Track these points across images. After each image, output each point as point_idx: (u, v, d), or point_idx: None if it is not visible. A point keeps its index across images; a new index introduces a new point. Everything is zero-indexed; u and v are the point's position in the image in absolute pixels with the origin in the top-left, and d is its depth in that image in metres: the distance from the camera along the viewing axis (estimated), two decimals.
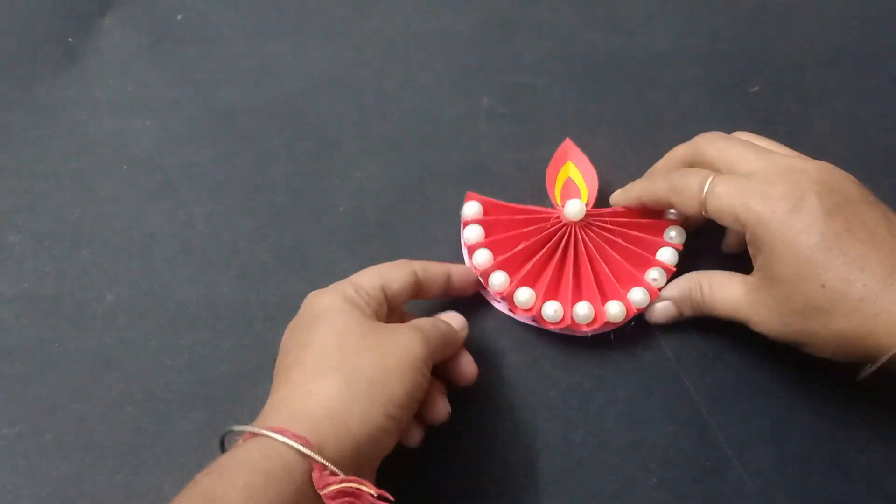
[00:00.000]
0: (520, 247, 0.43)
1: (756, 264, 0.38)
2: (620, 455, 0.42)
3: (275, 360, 0.39)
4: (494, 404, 0.43)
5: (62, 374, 0.44)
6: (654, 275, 0.43)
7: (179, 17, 0.52)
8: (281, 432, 0.31)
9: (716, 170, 0.40)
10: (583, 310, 0.42)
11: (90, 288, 0.45)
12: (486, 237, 0.44)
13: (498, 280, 0.43)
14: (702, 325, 0.44)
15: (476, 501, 0.41)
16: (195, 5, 0.53)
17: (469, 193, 0.45)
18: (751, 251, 0.38)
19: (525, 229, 0.44)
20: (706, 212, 0.39)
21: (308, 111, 0.50)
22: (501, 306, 0.45)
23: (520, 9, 0.52)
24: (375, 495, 0.31)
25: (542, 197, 0.46)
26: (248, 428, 0.32)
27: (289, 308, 0.40)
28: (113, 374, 0.44)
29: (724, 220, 0.38)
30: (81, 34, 0.52)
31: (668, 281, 0.43)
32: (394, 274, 0.39)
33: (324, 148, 0.49)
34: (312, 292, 0.38)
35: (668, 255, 0.44)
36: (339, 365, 0.34)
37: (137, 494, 0.41)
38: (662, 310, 0.43)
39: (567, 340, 0.44)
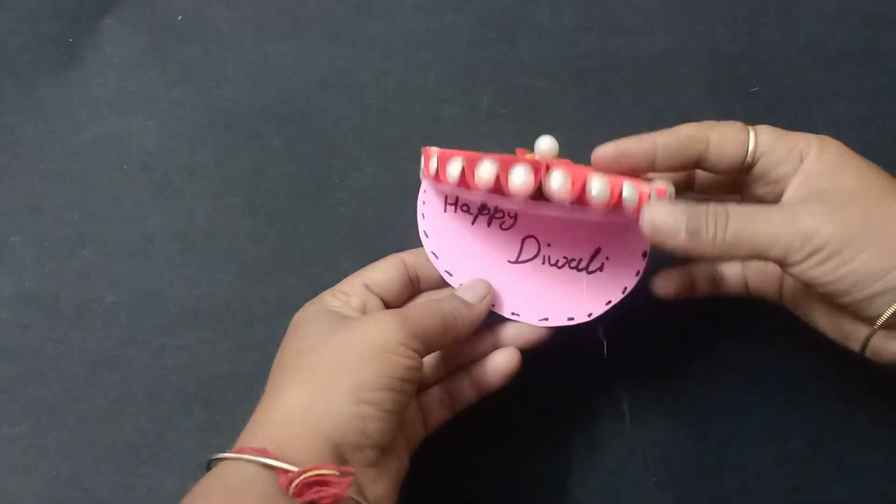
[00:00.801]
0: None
1: (801, 189, 0.35)
2: (620, 455, 0.42)
3: (274, 359, 0.39)
4: (494, 405, 0.43)
5: (62, 374, 0.44)
6: (626, 192, 0.34)
7: (179, 17, 0.52)
8: (239, 451, 0.31)
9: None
10: (558, 179, 0.33)
11: (90, 288, 0.45)
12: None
13: (455, 165, 0.35)
14: (702, 324, 0.44)
15: (476, 501, 0.41)
16: (195, 5, 0.53)
17: (425, 149, 0.39)
18: (798, 177, 0.35)
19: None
20: (755, 147, 0.35)
21: (308, 111, 0.50)
22: (503, 311, 0.41)
23: (520, 9, 0.52)
24: (337, 473, 0.30)
25: None
26: (215, 456, 0.32)
27: (289, 308, 0.40)
28: (113, 374, 0.44)
29: (778, 153, 0.35)
30: (82, 34, 0.52)
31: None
32: (375, 268, 0.39)
33: (324, 148, 0.49)
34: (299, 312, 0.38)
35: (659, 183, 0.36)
36: (295, 370, 0.34)
37: (137, 494, 0.41)
38: (671, 213, 0.34)
39: (566, 340, 0.44)
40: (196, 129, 0.49)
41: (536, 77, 0.50)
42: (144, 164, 0.48)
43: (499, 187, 0.34)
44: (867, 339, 0.34)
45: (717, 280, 0.41)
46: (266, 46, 0.52)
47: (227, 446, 0.42)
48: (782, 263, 0.33)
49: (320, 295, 0.38)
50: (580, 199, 0.33)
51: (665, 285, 0.40)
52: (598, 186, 0.33)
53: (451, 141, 0.49)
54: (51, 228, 0.47)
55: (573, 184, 0.33)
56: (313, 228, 0.47)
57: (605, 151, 0.37)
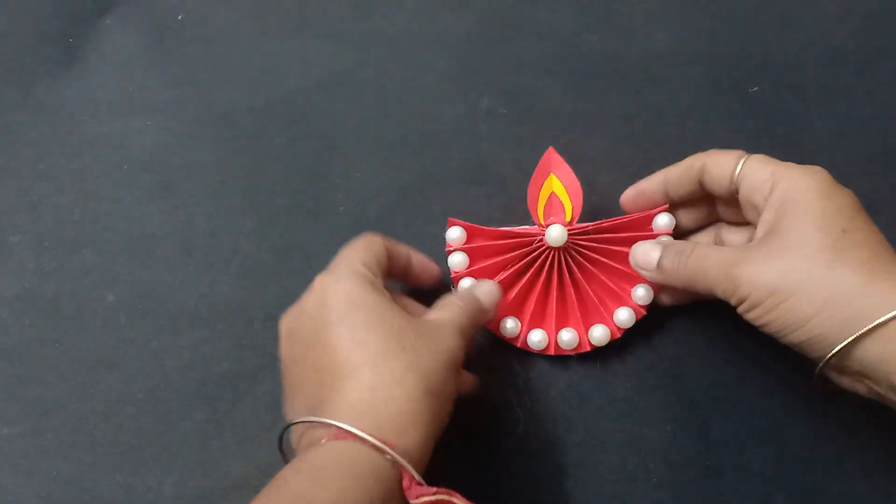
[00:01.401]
0: (503, 275, 0.43)
1: (765, 225, 0.38)
2: (620, 455, 0.42)
3: (275, 359, 0.39)
4: (494, 404, 0.43)
5: (62, 374, 0.44)
6: (640, 292, 0.43)
7: (179, 17, 0.52)
8: (375, 435, 0.31)
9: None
10: (566, 336, 0.43)
11: (90, 288, 0.45)
12: (469, 264, 0.44)
13: None
14: (702, 324, 0.44)
15: (476, 501, 0.41)
16: (195, 5, 0.53)
17: (451, 220, 0.44)
18: (766, 215, 0.38)
19: (508, 254, 0.43)
20: (740, 174, 0.39)
21: (308, 111, 0.50)
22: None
23: (520, 9, 0.52)
24: None
25: None
26: (349, 427, 0.32)
27: (288, 308, 0.40)
28: (113, 374, 0.44)
29: (757, 179, 0.38)
30: (81, 34, 0.52)
31: (656, 298, 0.43)
32: (376, 247, 0.40)
33: (324, 148, 0.49)
34: (321, 278, 0.37)
35: (641, 293, 0.43)
36: (410, 367, 0.34)
37: (137, 494, 0.41)
38: (647, 250, 0.41)
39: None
40: (196, 129, 0.49)
41: (536, 77, 0.50)
42: (144, 164, 0.48)
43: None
44: (818, 375, 0.36)
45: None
46: (266, 46, 0.52)
47: (228, 446, 0.43)
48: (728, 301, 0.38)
49: (344, 266, 0.38)
50: (583, 345, 0.43)
51: (666, 294, 0.44)
52: (598, 334, 0.43)
53: (451, 141, 0.49)
54: (51, 228, 0.47)
55: (579, 338, 0.43)
56: (313, 228, 0.47)
57: (627, 196, 0.44)
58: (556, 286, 0.43)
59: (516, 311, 0.43)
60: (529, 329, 0.43)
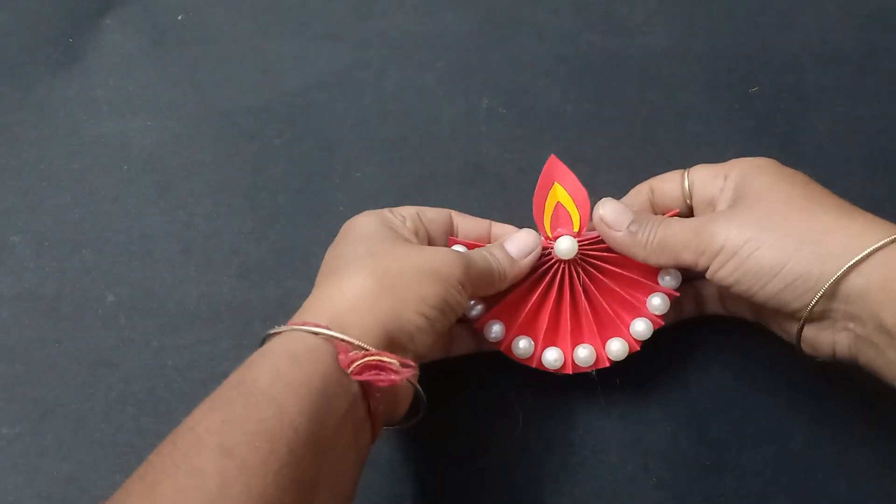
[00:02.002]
0: (512, 292, 0.41)
1: (724, 201, 0.39)
2: (620, 455, 0.42)
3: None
4: (495, 404, 0.43)
5: (62, 374, 0.44)
6: (655, 301, 0.41)
7: (179, 18, 0.52)
8: (303, 324, 0.33)
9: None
10: (583, 353, 0.41)
11: (90, 288, 0.45)
12: None
13: (494, 330, 0.41)
14: (702, 324, 0.44)
15: (476, 501, 0.41)
16: (195, 5, 0.53)
17: (451, 238, 0.42)
18: (724, 195, 0.39)
19: None
20: (690, 180, 0.40)
21: (308, 111, 0.50)
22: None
23: (520, 9, 0.52)
24: (398, 364, 0.32)
25: None
26: (276, 329, 0.33)
27: (289, 308, 0.39)
28: (113, 374, 0.44)
29: (705, 177, 0.39)
30: (81, 34, 0.52)
31: (672, 306, 0.41)
32: (428, 208, 0.42)
33: (324, 148, 0.49)
34: (350, 221, 0.40)
35: (669, 279, 0.41)
36: (369, 264, 0.35)
37: None
38: (617, 208, 0.40)
39: None
40: (196, 129, 0.49)
41: (536, 77, 0.50)
42: (144, 164, 0.48)
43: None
44: (798, 335, 0.36)
45: (699, 301, 0.43)
46: (266, 46, 0.52)
47: None
48: (696, 268, 0.37)
49: (380, 210, 0.40)
50: (601, 361, 0.42)
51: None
52: (616, 348, 0.41)
53: (451, 141, 0.49)
54: (51, 228, 0.47)
55: (597, 353, 0.41)
56: (313, 228, 0.47)
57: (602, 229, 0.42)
58: (569, 301, 0.41)
59: (528, 330, 0.41)
60: (544, 348, 0.41)
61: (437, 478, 0.41)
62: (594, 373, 0.42)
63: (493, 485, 0.41)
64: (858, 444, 0.42)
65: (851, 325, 0.34)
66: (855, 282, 0.33)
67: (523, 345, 0.41)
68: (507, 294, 0.41)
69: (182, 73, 0.51)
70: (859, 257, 0.33)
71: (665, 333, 0.44)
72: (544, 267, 0.42)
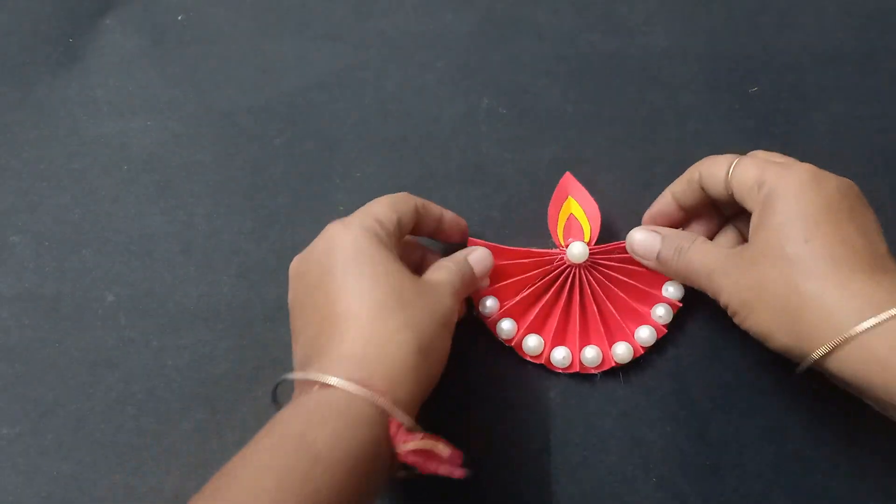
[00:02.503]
0: (525, 292, 0.43)
1: (751, 229, 0.38)
2: (620, 455, 0.42)
3: (275, 359, 0.39)
4: (494, 404, 0.43)
5: (62, 374, 0.44)
6: (659, 311, 0.43)
7: (179, 17, 0.52)
8: (367, 387, 0.32)
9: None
10: (590, 353, 0.43)
11: (90, 288, 0.45)
12: (491, 283, 0.44)
13: (506, 327, 0.43)
14: (702, 324, 0.44)
15: (476, 501, 0.41)
16: (195, 5, 0.53)
17: (471, 239, 0.44)
18: (753, 219, 0.38)
19: (529, 273, 0.44)
20: (731, 176, 0.39)
21: (308, 111, 0.50)
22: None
23: (520, 9, 0.52)
24: (448, 454, 0.33)
25: (541, 197, 0.45)
26: (339, 382, 0.33)
27: (288, 308, 0.40)
28: (113, 374, 0.44)
29: (746, 182, 0.38)
30: (81, 34, 0.52)
31: (675, 317, 0.44)
32: (404, 206, 0.41)
33: (324, 148, 0.49)
34: (333, 225, 0.39)
35: (673, 290, 0.44)
36: (406, 324, 0.35)
37: (137, 494, 0.41)
38: (648, 238, 0.42)
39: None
40: (196, 129, 0.49)
41: (536, 77, 0.50)
42: (144, 164, 0.48)
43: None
44: (802, 370, 0.36)
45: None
46: (266, 46, 0.52)
47: (228, 446, 0.43)
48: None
49: (359, 217, 0.39)
50: (606, 362, 0.43)
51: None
52: (621, 351, 0.43)
53: (451, 141, 0.49)
54: (51, 228, 0.47)
55: (603, 355, 0.43)
56: (313, 228, 0.47)
57: (643, 226, 0.44)
58: (578, 304, 0.43)
59: (538, 329, 0.43)
60: (553, 347, 0.43)
61: (437, 477, 0.41)
62: (599, 375, 0.43)
63: (493, 485, 0.41)
64: (858, 444, 0.42)
65: (850, 390, 0.35)
66: (844, 359, 0.33)
67: (533, 343, 0.43)
68: (520, 293, 0.43)
69: (182, 73, 0.51)
70: (824, 349, 0.33)
71: (665, 333, 0.44)
72: (557, 271, 0.44)
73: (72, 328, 0.45)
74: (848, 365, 0.33)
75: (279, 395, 0.37)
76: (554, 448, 0.42)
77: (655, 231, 0.42)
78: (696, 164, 0.42)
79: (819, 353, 0.34)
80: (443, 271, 0.40)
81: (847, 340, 0.33)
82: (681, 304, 0.43)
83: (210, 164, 0.48)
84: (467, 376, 0.43)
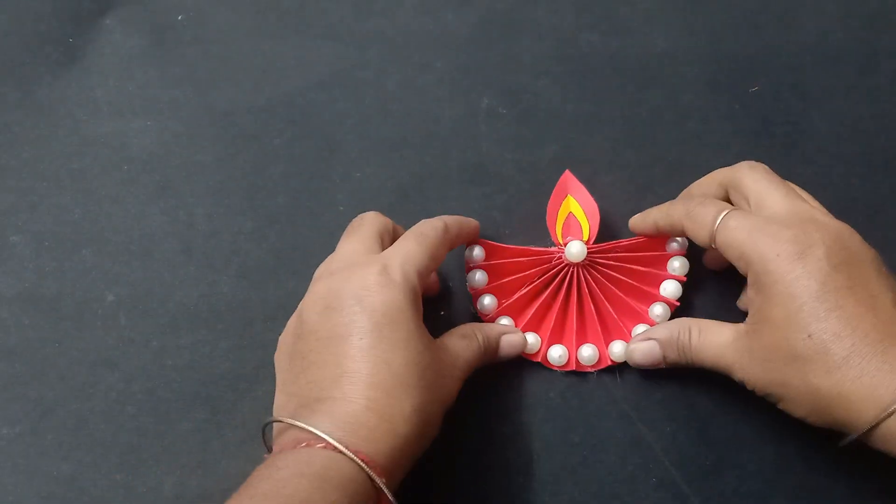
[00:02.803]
0: (523, 290, 0.43)
1: (750, 308, 0.37)
2: (620, 455, 0.42)
3: (274, 359, 0.39)
4: (494, 404, 0.43)
5: (62, 374, 0.44)
6: (657, 310, 0.43)
7: (179, 18, 0.52)
8: (368, 462, 0.31)
9: (744, 197, 0.40)
10: (587, 352, 0.43)
11: (90, 288, 0.45)
12: (489, 281, 0.44)
13: (503, 325, 0.43)
14: None
15: (476, 501, 0.41)
16: (195, 5, 0.53)
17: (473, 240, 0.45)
18: (749, 294, 0.37)
19: (528, 272, 0.44)
20: (715, 243, 0.38)
21: (308, 111, 0.50)
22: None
23: (520, 9, 0.52)
24: None
25: (541, 197, 0.45)
26: (346, 451, 0.31)
27: (289, 308, 0.40)
28: (113, 374, 0.44)
29: (730, 255, 0.38)
30: (81, 34, 0.52)
31: (672, 315, 0.44)
32: (441, 248, 0.40)
33: (324, 148, 0.49)
34: (371, 272, 0.36)
35: (671, 289, 0.44)
36: (420, 408, 0.34)
37: (137, 494, 0.41)
38: (647, 350, 0.41)
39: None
40: (196, 129, 0.49)
41: (536, 77, 0.50)
42: (144, 164, 0.48)
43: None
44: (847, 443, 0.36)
45: None
46: (266, 46, 0.52)
47: (228, 446, 0.43)
48: None
49: (405, 274, 0.36)
50: (603, 361, 0.43)
51: (713, 259, 0.44)
52: (618, 350, 0.43)
53: (451, 141, 0.49)
54: (51, 228, 0.47)
55: (599, 353, 0.43)
56: (313, 228, 0.47)
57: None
58: (576, 303, 0.44)
59: (536, 327, 0.44)
60: (549, 345, 0.43)
61: (436, 478, 0.41)
62: (595, 373, 0.43)
63: (493, 485, 0.41)
64: (858, 443, 0.42)
65: None
66: (877, 442, 0.34)
67: (530, 340, 0.43)
68: (518, 291, 0.44)
69: (182, 73, 0.51)
70: (850, 438, 0.34)
71: None
72: (555, 269, 0.43)
73: (72, 328, 0.45)
74: (887, 442, 0.33)
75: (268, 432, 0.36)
76: (554, 448, 0.42)
77: (648, 338, 0.41)
78: (679, 208, 0.40)
79: (849, 440, 0.34)
80: (465, 344, 0.39)
81: (871, 432, 0.33)
82: (678, 304, 0.43)
83: (210, 164, 0.48)
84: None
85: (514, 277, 0.44)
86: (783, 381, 0.35)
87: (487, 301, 0.44)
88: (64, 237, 0.47)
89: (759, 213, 0.38)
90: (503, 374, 0.43)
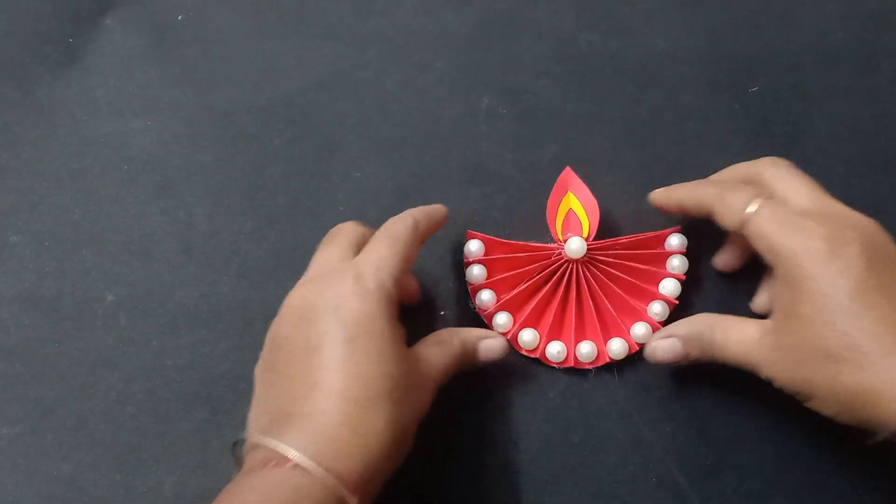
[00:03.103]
0: (522, 286, 0.43)
1: (777, 304, 0.37)
2: (620, 455, 0.42)
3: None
4: (495, 404, 0.43)
5: (62, 374, 0.44)
6: (656, 308, 0.43)
7: (179, 18, 0.52)
8: (342, 480, 0.31)
9: (768, 193, 0.39)
10: (585, 349, 0.43)
11: (90, 288, 0.45)
12: (488, 277, 0.44)
13: (502, 321, 0.43)
14: None
15: (476, 501, 0.41)
16: (195, 5, 0.53)
17: (469, 232, 0.45)
18: (776, 289, 0.37)
19: (527, 267, 0.44)
20: (745, 231, 0.38)
21: (308, 111, 0.50)
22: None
23: (520, 9, 0.52)
24: None
25: (541, 197, 0.45)
26: (318, 472, 0.31)
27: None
28: (113, 374, 0.44)
29: (759, 245, 0.37)
30: (81, 34, 0.52)
31: (671, 314, 0.43)
32: (412, 248, 0.39)
33: (324, 148, 0.49)
34: (345, 281, 0.36)
35: (670, 287, 0.44)
36: (393, 423, 0.33)
37: (137, 494, 0.41)
38: (668, 348, 0.40)
39: None
40: (196, 129, 0.49)
41: (536, 77, 0.50)
42: (144, 164, 0.48)
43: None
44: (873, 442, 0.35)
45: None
46: (266, 46, 0.52)
47: (228, 446, 0.42)
48: None
49: (380, 282, 0.36)
50: (601, 358, 0.43)
51: (725, 262, 0.44)
52: (616, 347, 0.43)
53: (451, 141, 0.49)
54: (51, 228, 0.47)
55: (598, 350, 0.43)
56: (313, 228, 0.47)
57: (657, 199, 0.43)
58: (574, 299, 0.44)
59: (534, 323, 0.44)
60: (548, 341, 0.43)
61: (436, 478, 0.41)
62: (594, 371, 0.43)
63: (493, 485, 0.41)
64: (858, 443, 0.42)
65: None
66: None
67: (528, 336, 0.43)
68: (517, 287, 0.44)
69: (182, 73, 0.51)
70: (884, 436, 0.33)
71: None
72: (554, 266, 0.44)
73: (72, 328, 0.45)
74: None
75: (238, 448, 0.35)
76: (554, 448, 0.42)
77: (670, 335, 0.40)
78: (710, 190, 0.40)
79: (880, 438, 0.34)
80: (441, 350, 0.39)
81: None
82: (677, 302, 0.44)
83: (210, 164, 0.48)
84: (465, 375, 0.43)
85: (512, 273, 0.44)
86: (813, 379, 0.35)
87: (486, 296, 0.44)
88: (64, 237, 0.47)
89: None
90: (503, 374, 0.43)
